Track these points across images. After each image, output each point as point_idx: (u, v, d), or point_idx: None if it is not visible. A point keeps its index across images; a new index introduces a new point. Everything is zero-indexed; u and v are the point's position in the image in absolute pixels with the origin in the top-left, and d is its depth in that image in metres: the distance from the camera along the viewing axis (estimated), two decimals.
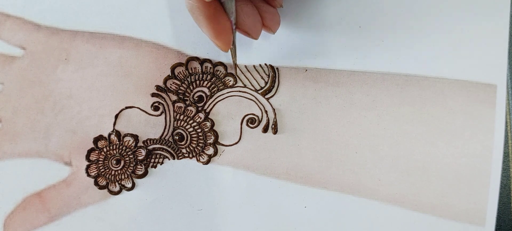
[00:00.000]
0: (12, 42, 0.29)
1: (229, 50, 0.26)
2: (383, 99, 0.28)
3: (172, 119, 0.29)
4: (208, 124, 0.29)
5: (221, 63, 0.29)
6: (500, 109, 0.28)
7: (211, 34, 0.24)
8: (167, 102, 0.29)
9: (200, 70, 0.29)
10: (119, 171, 0.29)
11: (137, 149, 0.29)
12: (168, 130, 0.29)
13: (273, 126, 0.29)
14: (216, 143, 0.29)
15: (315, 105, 0.29)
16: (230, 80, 0.29)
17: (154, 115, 0.29)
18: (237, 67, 0.28)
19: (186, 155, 0.29)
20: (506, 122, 0.28)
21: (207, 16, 0.23)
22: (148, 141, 0.29)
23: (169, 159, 0.29)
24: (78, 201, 0.29)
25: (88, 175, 0.29)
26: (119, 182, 0.29)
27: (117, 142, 0.29)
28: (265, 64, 0.29)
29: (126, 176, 0.29)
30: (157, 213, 0.29)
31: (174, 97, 0.29)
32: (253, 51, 0.29)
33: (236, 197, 0.29)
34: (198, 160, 0.29)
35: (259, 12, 0.26)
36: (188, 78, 0.29)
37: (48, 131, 0.29)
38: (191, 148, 0.29)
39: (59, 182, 0.29)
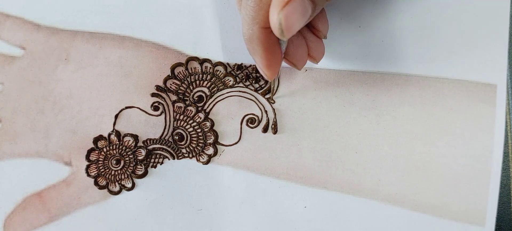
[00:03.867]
0: (12, 42, 0.29)
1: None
2: (383, 99, 0.28)
3: (172, 119, 0.29)
4: (208, 124, 0.29)
5: (220, 63, 0.29)
6: (500, 109, 0.28)
7: (264, 64, 0.24)
8: (167, 102, 0.29)
9: (200, 70, 0.29)
10: (119, 171, 0.29)
11: (137, 149, 0.29)
12: (168, 130, 0.29)
13: (273, 126, 0.29)
14: (216, 143, 0.29)
15: (315, 105, 0.29)
16: (230, 80, 0.29)
17: (154, 115, 0.29)
18: (275, 91, 0.29)
19: (186, 155, 0.29)
20: (506, 122, 0.28)
21: (265, 48, 0.23)
22: (148, 141, 0.29)
23: (169, 159, 0.29)
24: (78, 201, 0.29)
25: (88, 175, 0.29)
26: (119, 182, 0.29)
27: (117, 142, 0.29)
28: None
29: (126, 176, 0.29)
30: (157, 213, 0.29)
31: (174, 97, 0.29)
32: None
33: (236, 197, 0.29)
34: (198, 160, 0.29)
35: (305, 42, 0.26)
36: (188, 78, 0.29)
37: (48, 131, 0.29)
38: (191, 148, 0.29)
39: (59, 182, 0.29)
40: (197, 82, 0.29)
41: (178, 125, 0.29)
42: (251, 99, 0.29)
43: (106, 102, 0.29)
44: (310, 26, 0.26)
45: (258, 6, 0.22)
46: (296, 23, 0.21)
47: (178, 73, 0.29)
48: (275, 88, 0.28)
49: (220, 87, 0.29)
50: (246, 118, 0.29)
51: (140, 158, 0.29)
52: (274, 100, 0.29)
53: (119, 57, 0.29)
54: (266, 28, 0.22)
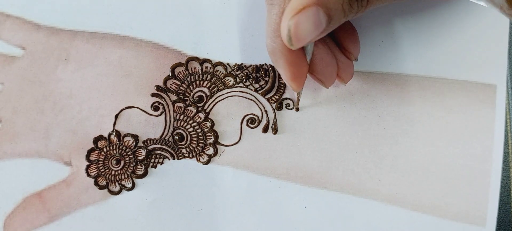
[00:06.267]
0: (12, 42, 0.29)
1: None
2: (383, 99, 0.29)
3: (172, 119, 0.29)
4: (208, 124, 0.29)
5: (220, 63, 0.29)
6: (499, 110, 0.28)
7: (288, 77, 0.24)
8: (167, 102, 0.29)
9: (200, 70, 0.29)
10: (119, 171, 0.29)
11: (137, 149, 0.29)
12: (168, 130, 0.29)
13: (273, 126, 0.29)
14: (216, 143, 0.29)
15: (315, 105, 0.29)
16: (230, 80, 0.29)
17: (154, 115, 0.29)
18: (299, 102, 0.28)
19: (186, 155, 0.29)
20: (506, 122, 0.28)
21: (288, 61, 0.23)
22: (148, 141, 0.29)
23: (169, 159, 0.29)
24: (78, 201, 0.29)
25: (88, 175, 0.29)
26: (119, 182, 0.29)
27: (117, 142, 0.29)
28: (265, 64, 0.29)
29: (126, 176, 0.29)
30: (157, 213, 0.29)
31: (174, 97, 0.29)
32: (253, 51, 0.29)
33: (236, 197, 0.29)
34: (198, 160, 0.29)
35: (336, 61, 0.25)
36: (188, 78, 0.29)
37: (48, 131, 0.29)
38: (191, 148, 0.29)
39: (59, 182, 0.29)
40: (197, 82, 0.29)
41: (178, 125, 0.29)
42: (251, 100, 0.29)
43: (106, 102, 0.29)
44: (341, 47, 0.26)
45: (281, 19, 0.21)
46: (307, 34, 0.20)
47: (178, 73, 0.29)
48: (299, 97, 0.28)
49: (220, 88, 0.29)
50: (246, 118, 0.29)
51: (140, 158, 0.29)
52: (298, 109, 0.29)
53: (119, 57, 0.29)
54: None
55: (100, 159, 0.29)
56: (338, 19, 0.21)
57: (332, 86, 0.28)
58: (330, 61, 0.25)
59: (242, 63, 0.29)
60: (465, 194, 0.28)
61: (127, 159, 0.29)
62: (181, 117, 0.29)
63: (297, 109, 0.29)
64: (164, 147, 0.29)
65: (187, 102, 0.29)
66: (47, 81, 0.29)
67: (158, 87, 0.29)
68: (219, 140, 0.29)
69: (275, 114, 0.29)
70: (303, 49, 0.23)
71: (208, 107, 0.29)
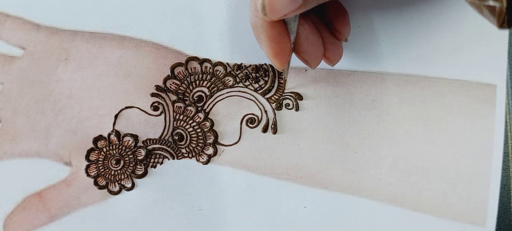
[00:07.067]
0: (12, 42, 0.29)
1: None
2: (383, 99, 0.28)
3: (171, 119, 0.29)
4: (208, 123, 0.29)
5: (220, 63, 0.29)
6: (499, 109, 0.28)
7: (270, 53, 0.24)
8: (166, 102, 0.29)
9: (199, 70, 0.29)
10: (118, 171, 0.29)
11: (137, 149, 0.29)
12: (168, 130, 0.29)
13: (272, 126, 0.29)
14: (215, 143, 0.29)
15: (315, 105, 0.29)
16: (230, 80, 0.29)
17: (154, 115, 0.29)
18: (286, 83, 0.28)
19: (186, 155, 0.29)
20: (506, 122, 0.28)
21: (269, 36, 0.23)
22: (148, 141, 0.29)
23: (169, 159, 0.29)
24: (78, 201, 0.29)
25: (88, 175, 0.29)
26: (119, 182, 0.29)
27: (117, 142, 0.29)
28: (265, 64, 0.29)
29: (125, 176, 0.29)
30: (157, 213, 0.29)
31: (173, 97, 0.29)
32: (253, 51, 0.29)
33: (236, 197, 0.29)
34: (198, 160, 0.29)
35: (323, 42, 0.25)
36: (187, 78, 0.29)
37: (48, 131, 0.29)
38: (191, 148, 0.29)
39: (59, 182, 0.29)
40: (197, 82, 0.29)
41: (178, 125, 0.29)
42: (251, 99, 0.29)
43: (106, 102, 0.29)
44: (331, 28, 0.26)
45: None
46: (282, 6, 0.20)
47: (178, 73, 0.29)
48: (285, 78, 0.28)
49: (220, 87, 0.29)
50: (246, 117, 0.29)
51: (140, 158, 0.29)
52: (284, 91, 0.28)
53: (119, 57, 0.29)
54: None
55: (100, 159, 0.29)
56: None
57: (332, 86, 0.28)
58: (316, 41, 0.25)
59: (241, 63, 0.29)
60: (465, 194, 0.28)
61: (127, 159, 0.29)
62: (181, 117, 0.29)
63: (284, 90, 0.28)
64: (164, 147, 0.29)
65: (187, 102, 0.29)
66: (47, 81, 0.29)
67: (157, 87, 0.29)
68: (218, 140, 0.29)
69: (274, 114, 0.29)
70: (285, 26, 0.23)
71: (207, 107, 0.29)
